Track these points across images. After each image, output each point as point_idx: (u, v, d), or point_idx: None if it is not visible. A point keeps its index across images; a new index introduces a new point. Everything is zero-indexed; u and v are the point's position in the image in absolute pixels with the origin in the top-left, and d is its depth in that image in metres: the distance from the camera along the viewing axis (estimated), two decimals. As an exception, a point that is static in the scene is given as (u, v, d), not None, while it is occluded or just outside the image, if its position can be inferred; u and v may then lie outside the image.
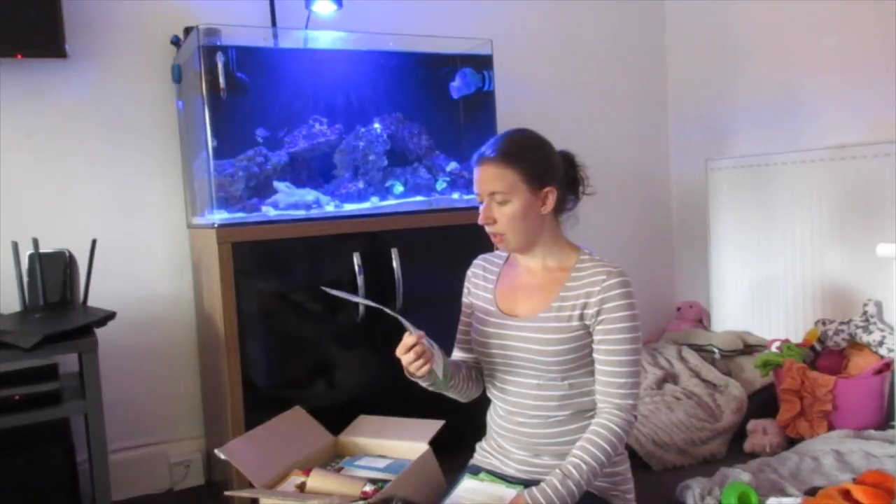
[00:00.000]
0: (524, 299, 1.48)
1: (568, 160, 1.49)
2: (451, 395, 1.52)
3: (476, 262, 1.62)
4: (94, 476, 1.76)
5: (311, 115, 2.33)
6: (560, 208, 1.48)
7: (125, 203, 2.34)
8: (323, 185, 2.30)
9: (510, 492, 1.34)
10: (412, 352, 1.33)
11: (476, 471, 1.49)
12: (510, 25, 2.96)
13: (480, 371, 1.57)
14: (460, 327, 1.61)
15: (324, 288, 1.40)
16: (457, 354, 1.60)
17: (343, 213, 2.21)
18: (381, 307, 1.36)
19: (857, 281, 2.56)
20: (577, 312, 1.40)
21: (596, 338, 1.40)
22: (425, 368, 1.34)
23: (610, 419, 1.37)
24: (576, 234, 1.53)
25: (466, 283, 1.61)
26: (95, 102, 2.29)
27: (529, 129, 1.48)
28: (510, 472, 1.47)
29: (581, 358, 1.41)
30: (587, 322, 1.40)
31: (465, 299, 1.61)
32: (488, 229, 1.45)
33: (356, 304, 2.11)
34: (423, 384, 1.43)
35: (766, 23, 2.90)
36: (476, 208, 1.47)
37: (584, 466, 1.33)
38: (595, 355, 1.41)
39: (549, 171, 1.43)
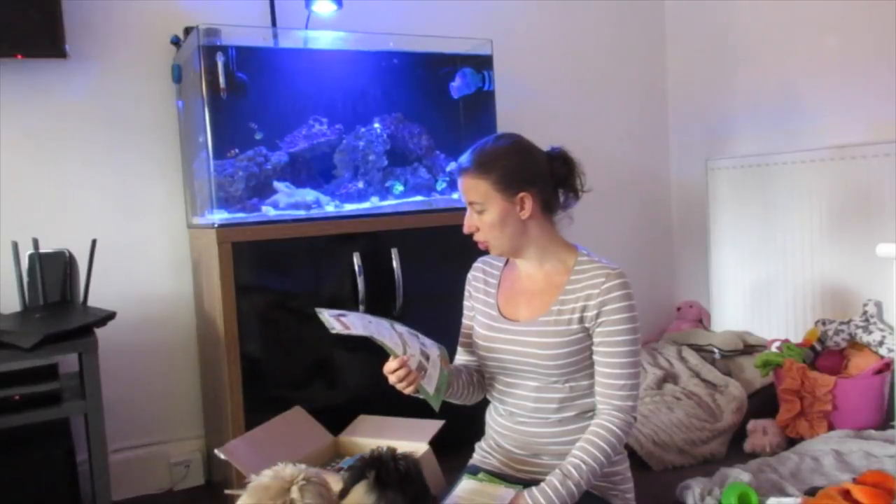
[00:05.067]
0: (525, 303, 1.48)
1: (560, 158, 1.47)
2: (451, 401, 1.51)
3: (476, 265, 1.62)
4: (94, 476, 1.76)
5: (311, 115, 2.33)
6: (550, 209, 1.47)
7: (125, 203, 2.34)
8: (323, 185, 2.30)
9: (509, 491, 1.34)
10: (394, 375, 1.34)
11: (475, 471, 1.49)
12: (510, 25, 2.96)
13: (483, 374, 1.56)
14: (463, 330, 1.61)
15: (318, 310, 1.40)
16: (460, 358, 1.60)
17: (343, 213, 2.21)
18: (370, 336, 1.35)
19: (857, 281, 2.56)
20: (576, 315, 1.40)
21: (596, 340, 1.40)
22: (409, 389, 1.36)
23: (610, 420, 1.37)
24: (576, 234, 1.53)
25: (467, 286, 1.61)
26: (95, 102, 2.29)
27: (509, 134, 1.48)
28: (509, 472, 1.48)
29: (581, 361, 1.41)
30: (587, 325, 1.40)
31: (466, 302, 1.61)
32: (474, 237, 1.47)
33: (356, 305, 2.12)
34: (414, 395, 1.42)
35: (766, 22, 2.90)
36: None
37: (583, 467, 1.33)
38: (595, 357, 1.41)
39: (524, 176, 1.42)
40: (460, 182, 1.45)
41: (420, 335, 1.43)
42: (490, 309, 1.52)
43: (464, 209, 1.47)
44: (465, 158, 1.45)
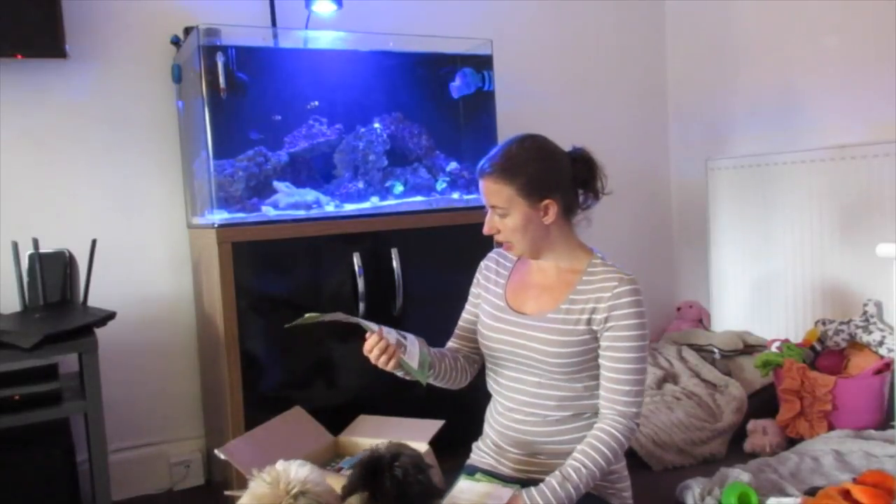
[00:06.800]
0: (534, 298, 1.48)
1: (582, 160, 1.47)
2: (435, 384, 1.51)
3: (491, 255, 1.62)
4: (94, 476, 1.76)
5: (311, 115, 2.33)
6: (571, 212, 1.47)
7: (125, 203, 2.34)
8: (323, 185, 2.30)
9: (507, 491, 1.34)
10: (377, 349, 1.34)
11: (472, 471, 1.49)
12: (510, 25, 2.96)
13: (469, 360, 1.57)
14: (463, 315, 1.62)
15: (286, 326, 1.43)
16: (450, 343, 1.61)
17: (343, 213, 2.21)
18: (344, 317, 1.36)
19: (857, 281, 2.56)
20: (584, 317, 1.40)
21: (603, 344, 1.40)
22: (391, 364, 1.35)
23: (613, 425, 1.37)
24: (578, 233, 1.53)
25: (477, 274, 1.62)
26: (95, 102, 2.29)
27: (533, 136, 1.46)
28: (506, 471, 1.48)
29: (585, 362, 1.41)
30: (595, 327, 1.40)
31: (473, 289, 1.62)
32: (495, 238, 1.47)
33: (357, 304, 2.12)
34: (399, 374, 1.42)
35: (766, 22, 2.90)
36: (477, 209, 1.48)
37: (583, 470, 1.33)
38: (601, 361, 1.41)
39: (549, 182, 1.41)
40: (482, 184, 1.44)
41: (396, 330, 1.43)
42: (497, 299, 1.52)
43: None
44: (487, 162, 1.43)
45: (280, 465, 1.17)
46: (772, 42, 2.89)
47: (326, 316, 1.35)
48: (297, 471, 1.16)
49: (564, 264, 1.48)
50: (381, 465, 1.22)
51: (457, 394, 1.59)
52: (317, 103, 2.30)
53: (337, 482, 1.45)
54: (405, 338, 1.40)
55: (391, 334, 1.37)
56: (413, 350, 1.39)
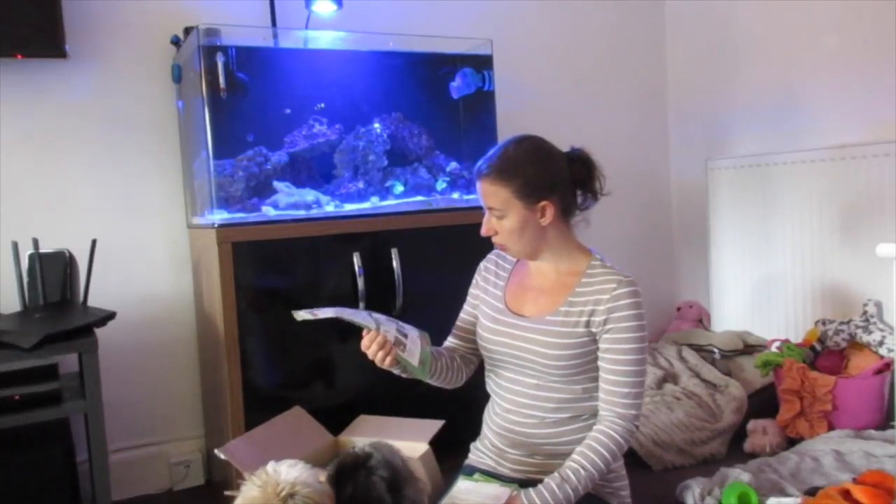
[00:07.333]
0: (532, 300, 1.48)
1: (580, 160, 1.47)
2: (431, 382, 1.51)
3: (490, 256, 1.62)
4: (94, 476, 1.76)
5: (311, 115, 2.33)
6: (569, 213, 1.47)
7: (125, 203, 2.34)
8: (323, 185, 2.30)
9: (505, 490, 1.34)
10: (374, 344, 1.35)
11: (471, 471, 1.49)
12: (510, 25, 2.96)
13: (466, 359, 1.57)
14: (461, 315, 1.62)
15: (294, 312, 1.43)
16: (447, 342, 1.61)
17: (343, 213, 2.21)
18: (338, 316, 1.36)
19: (857, 281, 2.56)
20: (583, 319, 1.40)
21: (602, 346, 1.40)
22: (388, 361, 1.36)
23: (612, 427, 1.37)
24: (577, 234, 1.53)
25: (476, 275, 1.62)
26: (95, 102, 2.29)
27: (530, 137, 1.46)
28: (505, 471, 1.48)
29: (584, 364, 1.41)
30: (593, 329, 1.40)
31: (472, 290, 1.62)
32: (492, 239, 1.47)
33: (356, 304, 2.12)
34: (396, 372, 1.42)
35: (766, 22, 2.90)
36: (476, 209, 1.48)
37: (582, 472, 1.33)
38: (600, 363, 1.41)
39: (546, 184, 1.41)
40: (479, 186, 1.44)
41: (399, 321, 1.43)
42: (496, 301, 1.52)
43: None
44: (484, 163, 1.43)
45: (270, 466, 1.16)
46: (772, 42, 2.89)
47: (321, 315, 1.35)
48: (287, 472, 1.14)
49: (563, 266, 1.48)
50: (348, 474, 1.22)
51: (457, 394, 1.59)
52: (322, 105, 2.30)
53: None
54: (405, 336, 1.40)
55: (391, 332, 1.37)
56: (414, 348, 1.39)
